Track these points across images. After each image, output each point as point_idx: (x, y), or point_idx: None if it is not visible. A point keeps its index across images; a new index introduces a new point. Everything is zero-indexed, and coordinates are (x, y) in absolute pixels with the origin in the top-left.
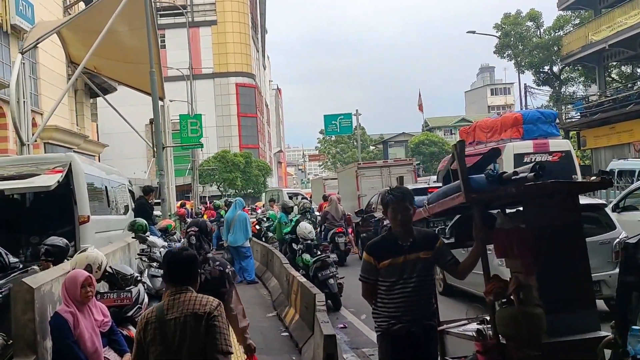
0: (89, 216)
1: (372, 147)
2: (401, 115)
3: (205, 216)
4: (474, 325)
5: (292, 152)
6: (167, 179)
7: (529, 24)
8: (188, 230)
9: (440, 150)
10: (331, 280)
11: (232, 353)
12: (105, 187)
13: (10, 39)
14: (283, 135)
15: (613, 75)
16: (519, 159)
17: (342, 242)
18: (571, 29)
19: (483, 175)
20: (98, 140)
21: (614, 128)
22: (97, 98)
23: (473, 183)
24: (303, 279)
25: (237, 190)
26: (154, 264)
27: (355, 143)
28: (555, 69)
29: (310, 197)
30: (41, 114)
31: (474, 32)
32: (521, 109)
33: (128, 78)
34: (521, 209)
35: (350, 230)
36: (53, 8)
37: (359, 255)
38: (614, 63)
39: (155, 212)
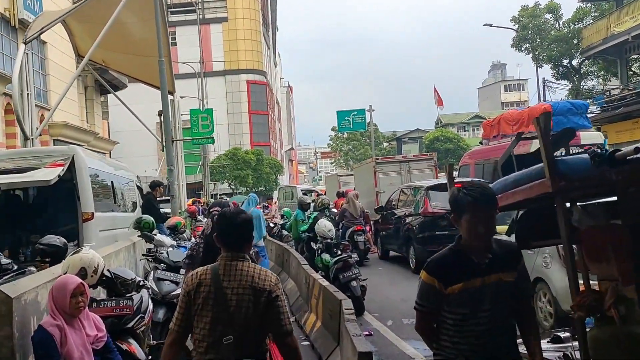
0: (92, 213)
1: (385, 144)
2: (413, 112)
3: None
4: (554, 347)
5: (303, 150)
6: (178, 175)
7: (548, 16)
8: (211, 210)
9: (456, 146)
10: (354, 283)
11: (293, 331)
12: (112, 182)
13: (18, 34)
14: (294, 133)
15: (634, 69)
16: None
17: (362, 241)
18: (591, 21)
19: (578, 156)
20: (109, 138)
21: (638, 122)
22: (108, 96)
23: (563, 166)
24: (325, 282)
25: (248, 188)
26: (161, 265)
27: (367, 140)
28: (575, 62)
29: (325, 194)
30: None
31: (491, 25)
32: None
33: (138, 72)
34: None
35: (368, 228)
36: (62, 2)
37: (378, 254)
38: (635, 56)
39: (164, 210)
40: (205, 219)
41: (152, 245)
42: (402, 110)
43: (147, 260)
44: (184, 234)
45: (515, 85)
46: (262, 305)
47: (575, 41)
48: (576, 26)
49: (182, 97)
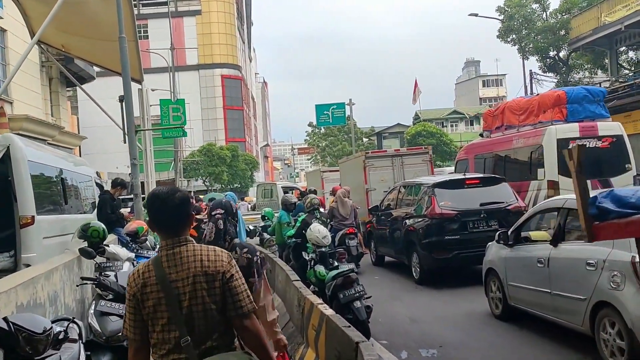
0: (33, 217)
1: (365, 139)
2: (391, 108)
3: None
4: None
5: (278, 146)
6: (147, 171)
7: (535, 6)
8: (213, 213)
9: (439, 142)
10: (357, 303)
11: (256, 309)
12: (62, 179)
13: None
14: (269, 129)
15: (620, 62)
16: (563, 144)
17: (354, 246)
18: (578, 12)
19: None
20: (79, 133)
21: (630, 116)
22: (78, 90)
23: None
24: (330, 311)
25: (223, 185)
26: (107, 293)
27: (345, 136)
28: (562, 54)
29: (306, 191)
30: (11, 103)
31: (476, 15)
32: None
33: (102, 58)
34: None
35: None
36: None
37: (372, 259)
38: (622, 49)
39: (124, 210)
40: (208, 224)
41: (104, 259)
42: (380, 106)
43: (95, 285)
44: (147, 242)
45: (494, 80)
46: (218, 290)
47: (562, 32)
48: (564, 17)
49: (153, 90)
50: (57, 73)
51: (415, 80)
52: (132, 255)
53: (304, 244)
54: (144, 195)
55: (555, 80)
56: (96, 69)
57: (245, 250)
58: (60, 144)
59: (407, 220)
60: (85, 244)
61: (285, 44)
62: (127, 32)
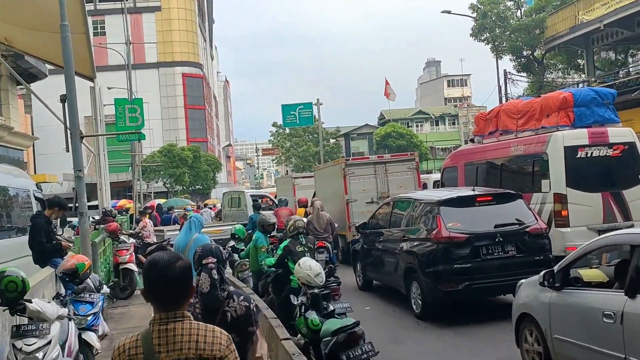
0: None
1: (332, 140)
2: (356, 108)
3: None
4: None
5: (240, 146)
6: (100, 179)
7: (509, 3)
8: (204, 262)
9: (409, 143)
10: None
11: None
12: None
13: None
14: (232, 128)
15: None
16: (570, 152)
17: (322, 261)
18: (552, 11)
19: None
20: (32, 133)
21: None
22: (32, 87)
23: None
24: None
25: (184, 187)
26: None
27: (310, 136)
28: (537, 53)
29: (276, 197)
30: None
31: (449, 12)
32: (500, 97)
33: (49, 52)
34: None
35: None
36: None
37: (358, 283)
38: (595, 49)
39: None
40: (201, 274)
41: (24, 321)
42: (344, 106)
43: None
44: (90, 282)
45: (458, 80)
46: None
47: (537, 31)
48: (539, 15)
49: (109, 89)
50: (6, 70)
51: (386, 79)
52: (65, 311)
53: (286, 275)
54: (94, 217)
55: (531, 80)
56: (49, 66)
57: (242, 298)
58: (9, 145)
59: (404, 244)
60: None
61: (248, 43)
62: (76, 24)
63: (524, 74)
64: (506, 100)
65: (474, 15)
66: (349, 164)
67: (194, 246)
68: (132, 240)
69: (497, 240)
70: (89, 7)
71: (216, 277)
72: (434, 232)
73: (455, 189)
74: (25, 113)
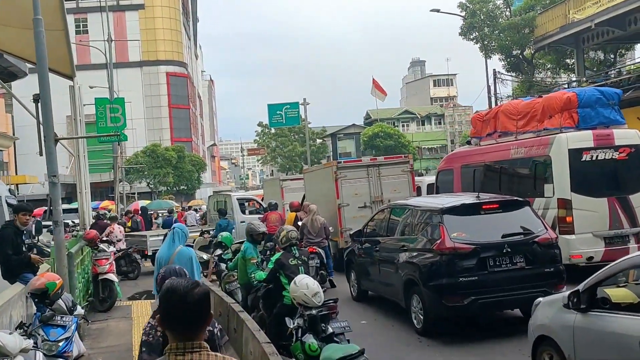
0: None
1: (318, 141)
2: (341, 108)
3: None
4: None
5: (225, 145)
6: (80, 182)
7: (498, 2)
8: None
9: (396, 143)
10: None
11: None
12: None
13: None
14: (217, 128)
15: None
16: (575, 155)
17: (313, 267)
18: (541, 9)
19: None
20: (13, 133)
21: None
22: (13, 86)
23: None
24: None
25: (168, 187)
26: None
27: (296, 136)
28: (526, 53)
29: (262, 200)
30: None
31: (438, 11)
32: (490, 97)
33: (26, 50)
34: None
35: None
36: None
37: (352, 293)
38: (585, 48)
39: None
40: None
41: None
42: (330, 106)
43: None
44: (62, 303)
45: (444, 80)
46: None
47: (527, 30)
48: (528, 14)
49: (91, 87)
50: None
51: (373, 79)
52: (30, 343)
53: (278, 290)
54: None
55: (521, 80)
56: (29, 64)
57: None
58: None
59: (403, 254)
60: None
61: (232, 42)
62: (54, 20)
63: (513, 74)
64: (495, 100)
65: (463, 14)
66: (341, 166)
67: (178, 260)
68: (112, 248)
69: (504, 251)
70: (71, 4)
71: None
72: (437, 242)
73: (458, 196)
74: (6, 112)
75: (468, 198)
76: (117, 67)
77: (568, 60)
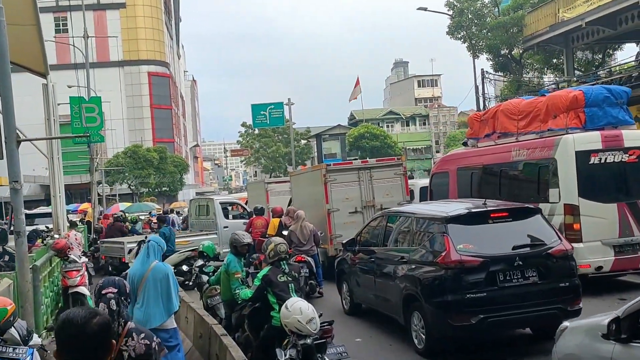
0: None
1: (303, 141)
2: (325, 108)
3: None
4: None
5: (207, 146)
6: (54, 185)
7: (487, 0)
8: (104, 292)
9: (382, 144)
10: None
11: None
12: None
13: None
14: (199, 128)
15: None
16: (582, 158)
17: (303, 276)
18: (530, 8)
19: None
20: None
21: None
22: None
23: None
24: None
25: (150, 189)
26: None
27: (279, 137)
28: (514, 52)
29: (246, 204)
30: None
31: (425, 9)
32: (477, 98)
33: None
34: None
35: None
36: None
37: (344, 307)
38: (574, 47)
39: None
40: (99, 305)
41: None
42: (313, 107)
43: None
44: (15, 333)
45: (429, 80)
46: None
47: (515, 29)
48: (516, 13)
49: (69, 87)
50: None
51: (358, 78)
52: None
53: (265, 309)
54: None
55: (509, 80)
56: None
57: (142, 335)
58: None
59: (402, 266)
60: None
61: (215, 42)
62: (25, 14)
63: (501, 74)
64: (483, 101)
65: (450, 12)
66: (331, 169)
67: (152, 277)
68: (83, 259)
69: (515, 264)
70: (51, 3)
71: (114, 307)
72: (442, 255)
73: (461, 202)
74: None
75: (473, 205)
76: (98, 67)
77: (555, 60)
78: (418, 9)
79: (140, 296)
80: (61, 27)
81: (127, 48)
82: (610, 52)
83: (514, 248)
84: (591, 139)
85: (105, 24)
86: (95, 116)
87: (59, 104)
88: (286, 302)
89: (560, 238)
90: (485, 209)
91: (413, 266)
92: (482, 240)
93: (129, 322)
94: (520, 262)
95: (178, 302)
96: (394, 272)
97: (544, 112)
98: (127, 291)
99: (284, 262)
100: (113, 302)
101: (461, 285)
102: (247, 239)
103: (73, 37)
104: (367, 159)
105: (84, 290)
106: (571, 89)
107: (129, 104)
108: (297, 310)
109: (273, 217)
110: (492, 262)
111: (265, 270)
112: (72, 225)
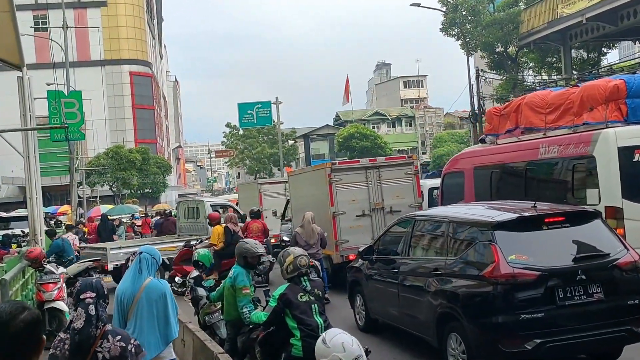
0: None
1: (290, 142)
2: (311, 109)
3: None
4: None
5: (190, 147)
6: (29, 180)
7: None
8: (82, 296)
9: (373, 144)
10: None
11: None
12: None
13: None
14: (182, 130)
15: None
16: (626, 155)
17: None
18: (526, 5)
19: None
20: None
21: None
22: None
23: None
24: None
25: (132, 191)
26: None
27: (265, 137)
28: (510, 50)
29: (237, 205)
30: None
31: (418, 5)
32: (472, 97)
33: None
34: None
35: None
36: None
37: (357, 322)
38: (572, 45)
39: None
40: (77, 309)
41: None
42: (298, 107)
43: None
44: None
45: (414, 81)
46: None
47: (511, 26)
48: (512, 9)
49: (48, 84)
50: None
51: (347, 79)
52: None
53: (282, 335)
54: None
55: (505, 78)
56: None
57: (118, 337)
58: None
59: (436, 279)
60: None
61: (198, 42)
62: None
63: (496, 72)
64: (478, 99)
65: (444, 9)
66: (336, 168)
67: (146, 297)
68: (61, 270)
69: (578, 278)
70: (30, 0)
71: (92, 312)
72: (490, 267)
73: (505, 205)
74: None
75: (521, 208)
76: (79, 66)
77: (550, 59)
78: (411, 4)
79: (131, 321)
80: (40, 26)
81: (108, 47)
82: (605, 50)
83: (575, 260)
84: (635, 134)
85: (85, 22)
86: (75, 112)
87: (35, 99)
88: (324, 336)
89: (626, 247)
90: (538, 214)
91: (450, 280)
92: (536, 250)
93: (107, 325)
94: (583, 276)
95: (177, 327)
96: (425, 286)
97: (578, 104)
98: (106, 292)
99: (305, 278)
100: (92, 307)
101: (514, 303)
102: (260, 249)
103: (52, 33)
104: (376, 158)
105: (61, 305)
106: (610, 77)
107: (110, 104)
108: (339, 346)
109: (211, 226)
110: (550, 276)
111: (281, 288)
112: (69, 228)
